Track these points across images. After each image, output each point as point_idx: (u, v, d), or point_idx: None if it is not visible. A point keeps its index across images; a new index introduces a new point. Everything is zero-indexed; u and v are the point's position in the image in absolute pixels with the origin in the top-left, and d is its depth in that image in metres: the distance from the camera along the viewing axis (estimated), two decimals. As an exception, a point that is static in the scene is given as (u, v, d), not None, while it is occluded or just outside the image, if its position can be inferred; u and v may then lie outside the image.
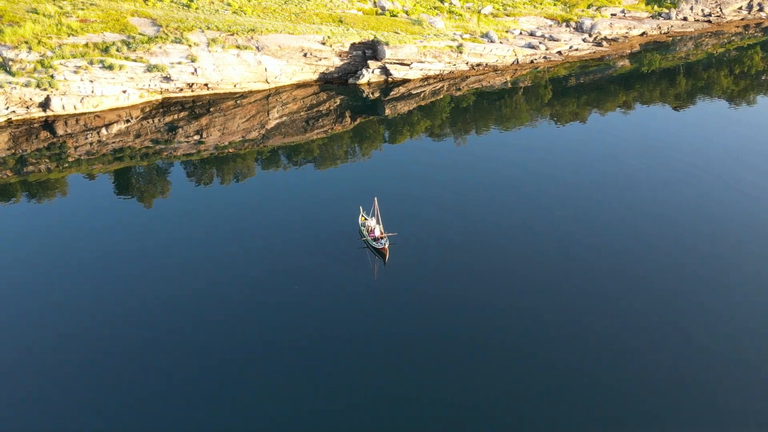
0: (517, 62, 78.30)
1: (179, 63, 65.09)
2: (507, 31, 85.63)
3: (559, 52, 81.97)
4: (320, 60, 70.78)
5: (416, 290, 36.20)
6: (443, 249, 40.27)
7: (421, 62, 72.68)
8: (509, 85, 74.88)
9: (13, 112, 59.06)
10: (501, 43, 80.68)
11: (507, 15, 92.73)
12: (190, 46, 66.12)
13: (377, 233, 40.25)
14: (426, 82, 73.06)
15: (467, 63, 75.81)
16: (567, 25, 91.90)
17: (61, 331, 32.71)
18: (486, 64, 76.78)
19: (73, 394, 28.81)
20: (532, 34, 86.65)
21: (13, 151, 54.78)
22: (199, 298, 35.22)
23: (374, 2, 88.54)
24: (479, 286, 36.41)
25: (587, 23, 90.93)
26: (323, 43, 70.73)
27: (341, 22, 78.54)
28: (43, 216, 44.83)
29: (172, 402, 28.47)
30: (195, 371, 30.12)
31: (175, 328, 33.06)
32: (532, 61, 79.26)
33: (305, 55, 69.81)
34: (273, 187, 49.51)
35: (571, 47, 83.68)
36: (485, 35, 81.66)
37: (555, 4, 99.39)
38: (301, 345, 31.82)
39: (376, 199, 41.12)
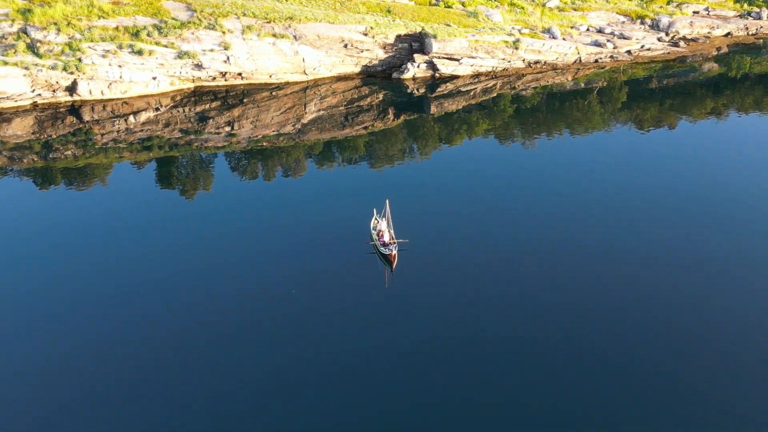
0: (580, 61, 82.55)
1: (211, 50, 71.13)
2: (572, 27, 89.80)
3: (629, 52, 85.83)
4: (362, 52, 76.31)
5: (423, 302, 38.81)
6: (467, 258, 43.15)
7: (472, 57, 77.61)
8: (582, 85, 79.23)
9: (39, 95, 65.86)
10: (564, 39, 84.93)
11: (575, 9, 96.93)
12: (223, 33, 72.10)
13: (386, 238, 42.91)
14: (476, 79, 77.96)
15: (523, 60, 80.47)
16: (642, 23, 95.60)
17: (81, 329, 36.74)
18: (544, 62, 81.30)
19: (94, 396, 32.68)
20: (600, 31, 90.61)
21: (38, 135, 61.33)
22: (194, 304, 38.67)
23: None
24: (501, 302, 38.94)
25: (664, 21, 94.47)
26: (365, 34, 76.30)
27: (389, 12, 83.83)
28: (65, 203, 50.51)
29: (162, 413, 31.85)
30: (188, 381, 33.31)
31: (166, 332, 36.48)
32: (596, 60, 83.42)
33: (346, 46, 75.47)
34: (299, 185, 54.13)
35: (642, 46, 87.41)
36: (547, 31, 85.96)
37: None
38: (297, 357, 34.70)
39: (387, 201, 44.48)
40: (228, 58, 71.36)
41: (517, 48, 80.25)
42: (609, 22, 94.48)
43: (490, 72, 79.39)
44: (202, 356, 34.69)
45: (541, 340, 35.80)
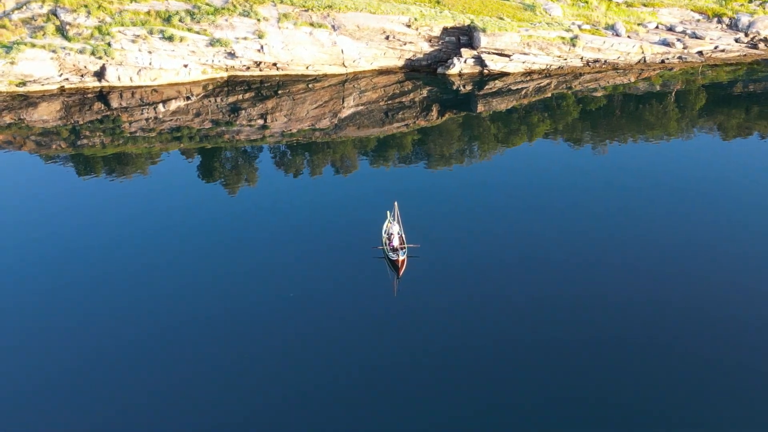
0: (644, 61, 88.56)
1: (245, 38, 78.82)
2: (639, 24, 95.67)
3: (700, 53, 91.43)
4: (405, 45, 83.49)
5: (431, 313, 41.67)
6: (484, 267, 46.29)
7: (524, 54, 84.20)
8: (657, 87, 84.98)
9: (66, 79, 74.17)
10: (629, 37, 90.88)
11: (644, 5, 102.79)
12: (258, 20, 79.68)
13: (396, 243, 46.12)
14: (528, 78, 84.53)
15: (581, 58, 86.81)
16: (718, 21, 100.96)
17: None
18: (605, 61, 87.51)
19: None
20: (671, 29, 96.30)
21: (65, 121, 69.50)
22: (193, 306, 42.18)
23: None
24: (516, 317, 41.51)
25: (744, 20, 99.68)
26: (408, 26, 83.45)
27: (438, 3, 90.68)
28: (89, 192, 56.94)
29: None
30: (182, 384, 36.51)
31: (152, 332, 39.99)
32: (663, 61, 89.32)
33: (387, 38, 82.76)
34: (325, 183, 59.38)
35: (716, 47, 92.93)
36: (611, 27, 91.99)
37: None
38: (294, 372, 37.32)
39: (396, 203, 48.15)
40: (262, 47, 78.85)
41: (574, 45, 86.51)
42: (682, 20, 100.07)
43: (543, 70, 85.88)
44: (197, 361, 37.86)
45: (559, 360, 38.23)
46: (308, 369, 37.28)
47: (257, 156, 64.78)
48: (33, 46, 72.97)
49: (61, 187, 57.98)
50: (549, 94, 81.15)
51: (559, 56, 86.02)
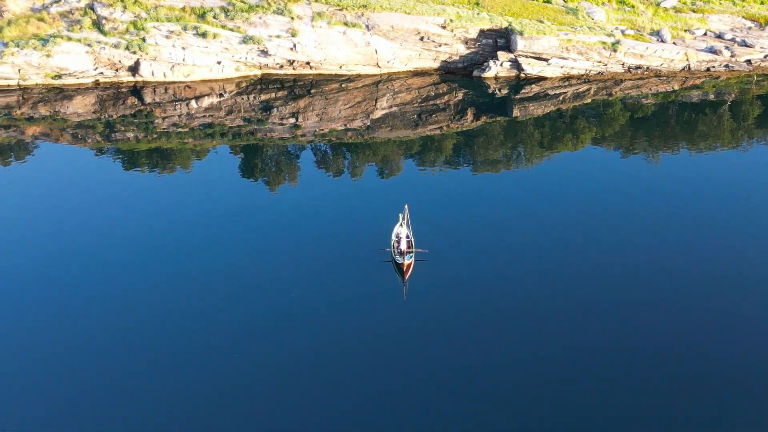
0: (689, 68, 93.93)
1: (278, 36, 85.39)
2: (686, 30, 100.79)
3: (748, 61, 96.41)
4: (440, 46, 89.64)
5: (437, 322, 44.13)
6: (498, 275, 49.24)
7: (563, 58, 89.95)
8: (711, 96, 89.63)
9: (101, 73, 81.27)
10: (674, 44, 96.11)
11: (693, 11, 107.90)
12: (292, 18, 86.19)
13: (403, 246, 49.12)
14: (566, 83, 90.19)
15: (623, 64, 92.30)
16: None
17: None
18: (647, 68, 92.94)
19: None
20: (719, 36, 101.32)
21: (99, 115, 76.53)
22: (192, 309, 44.97)
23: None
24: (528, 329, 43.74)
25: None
26: (444, 27, 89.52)
27: (477, 4, 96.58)
28: (120, 185, 62.77)
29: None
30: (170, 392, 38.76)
31: (144, 337, 42.50)
32: (708, 69, 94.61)
33: (422, 39, 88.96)
34: (350, 184, 64.15)
35: (766, 56, 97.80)
36: (656, 33, 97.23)
37: (763, 2, 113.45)
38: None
39: (407, 206, 51.59)
40: (294, 46, 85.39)
41: (615, 50, 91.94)
42: (732, 27, 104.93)
43: (582, 75, 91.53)
44: (197, 361, 40.48)
45: (577, 370, 40.44)
46: (311, 369, 40.09)
47: (287, 155, 70.75)
48: (69, 39, 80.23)
49: (94, 180, 63.62)
50: (588, 100, 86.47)
51: (599, 61, 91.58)
